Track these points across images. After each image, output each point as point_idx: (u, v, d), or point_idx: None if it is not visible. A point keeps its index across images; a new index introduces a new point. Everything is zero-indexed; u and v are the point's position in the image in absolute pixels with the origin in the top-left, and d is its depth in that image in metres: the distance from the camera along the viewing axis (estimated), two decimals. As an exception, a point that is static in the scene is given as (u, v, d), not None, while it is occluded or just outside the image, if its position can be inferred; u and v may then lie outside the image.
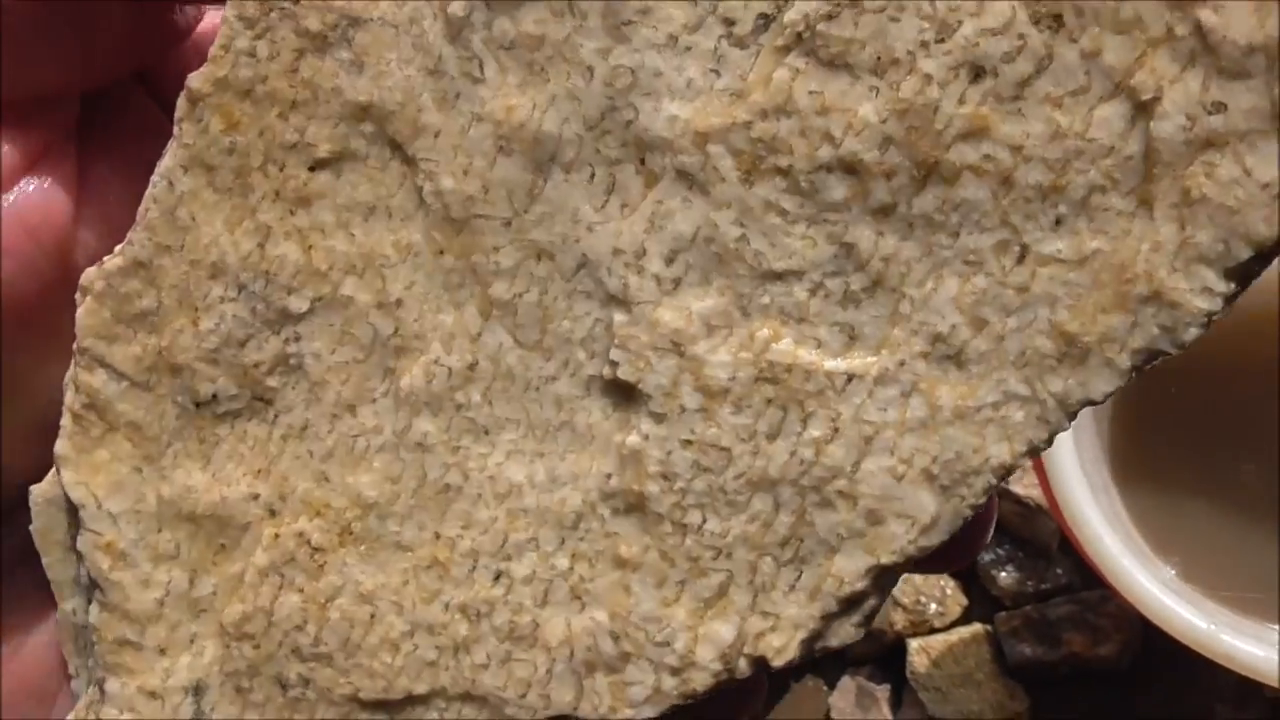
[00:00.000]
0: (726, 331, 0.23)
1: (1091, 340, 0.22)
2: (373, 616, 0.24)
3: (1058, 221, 0.22)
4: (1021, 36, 0.21)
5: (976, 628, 0.54)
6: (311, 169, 0.23)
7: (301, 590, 0.24)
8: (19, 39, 0.24)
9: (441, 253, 0.23)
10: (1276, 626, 0.44)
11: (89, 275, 0.25)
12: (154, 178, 0.24)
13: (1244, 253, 0.21)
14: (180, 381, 0.25)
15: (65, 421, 0.25)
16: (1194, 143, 0.21)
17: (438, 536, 0.24)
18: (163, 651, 0.25)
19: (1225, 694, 0.52)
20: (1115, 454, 0.47)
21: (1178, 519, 0.47)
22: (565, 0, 0.22)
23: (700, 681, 0.24)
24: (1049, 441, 0.23)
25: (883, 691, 0.54)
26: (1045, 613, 0.52)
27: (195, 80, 0.24)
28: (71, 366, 0.25)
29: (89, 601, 0.25)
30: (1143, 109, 0.21)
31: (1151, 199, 0.22)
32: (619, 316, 0.23)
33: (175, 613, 0.25)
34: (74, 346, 0.25)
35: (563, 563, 0.24)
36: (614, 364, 0.23)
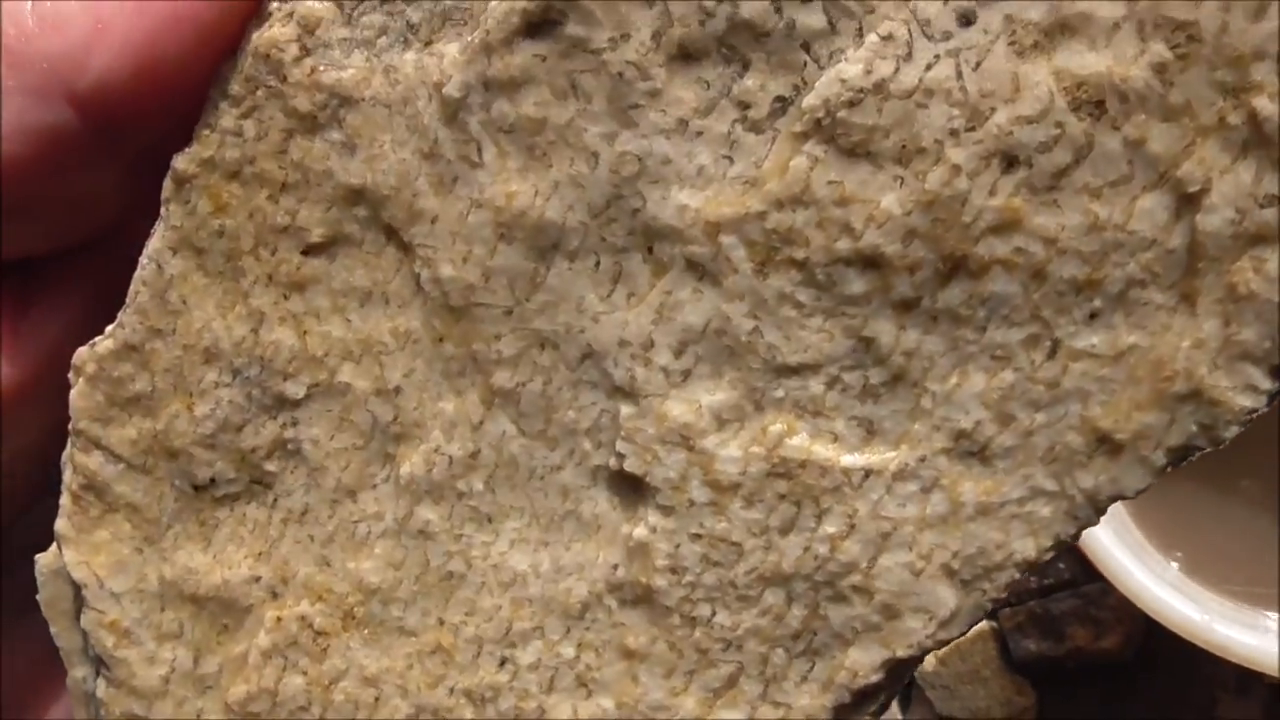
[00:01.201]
0: (738, 425, 0.16)
1: (1125, 438, 0.16)
2: (377, 699, 0.18)
3: (1092, 316, 0.17)
4: (1059, 125, 0.15)
5: (981, 624, 0.47)
6: (304, 253, 0.17)
7: (305, 673, 0.18)
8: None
9: (441, 340, 0.17)
10: (1272, 614, 0.37)
11: (81, 356, 0.21)
12: (142, 259, 0.18)
13: None
14: (177, 465, 0.18)
15: (64, 500, 0.20)
16: (1242, 237, 0.15)
17: (441, 623, 0.18)
18: None
19: (1227, 682, 0.46)
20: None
21: (1180, 514, 0.41)
22: (568, 81, 0.15)
23: None
24: (1076, 536, 0.17)
25: (891, 691, 0.47)
26: (1049, 607, 0.46)
27: (181, 161, 0.17)
28: (68, 446, 0.21)
29: (97, 673, 0.19)
30: (1189, 201, 0.15)
31: (1194, 294, 0.17)
32: (625, 408, 0.17)
33: (181, 689, 0.19)
34: (70, 427, 0.21)
35: (569, 651, 0.18)
36: (620, 456, 0.17)
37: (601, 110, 0.18)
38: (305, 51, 0.18)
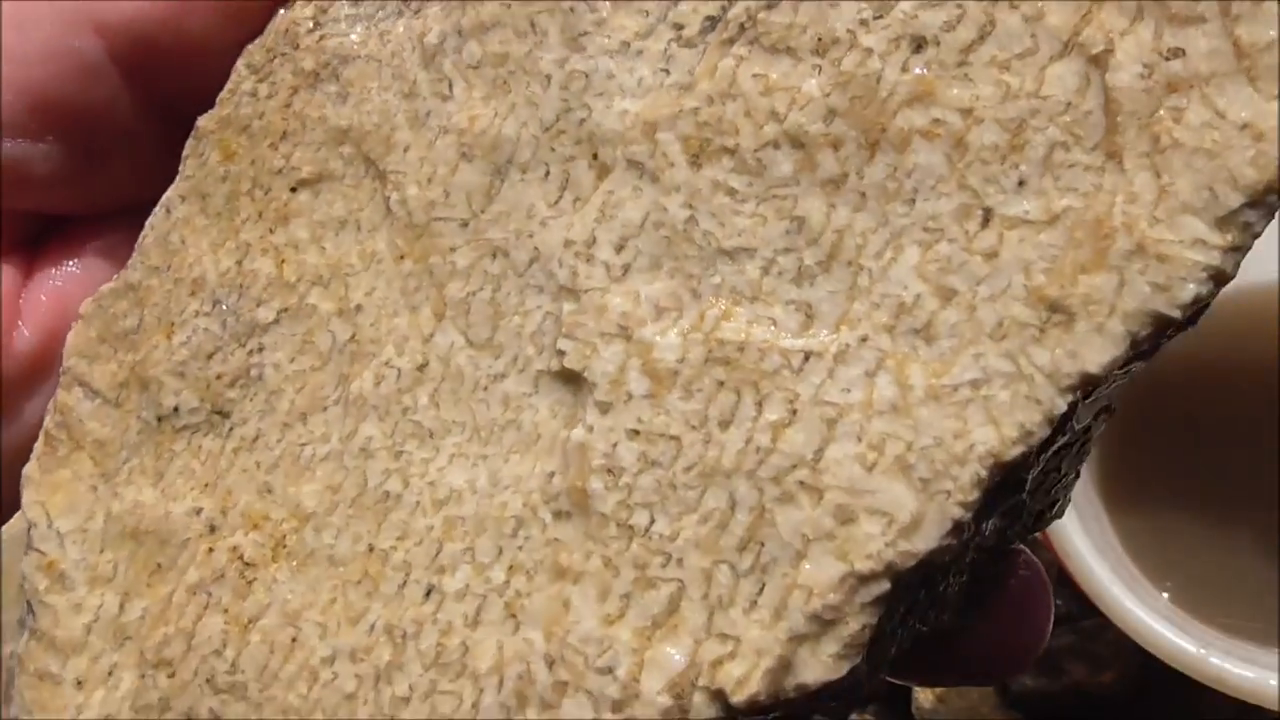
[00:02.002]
0: (676, 314, 0.14)
1: (1075, 303, 0.14)
2: (294, 640, 0.15)
3: (1021, 183, 0.15)
4: (960, 6, 0.13)
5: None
6: (293, 190, 0.16)
7: (226, 610, 0.15)
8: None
9: (402, 258, 0.15)
10: (1274, 649, 0.29)
11: (86, 304, 0.20)
12: (156, 208, 0.17)
13: (1234, 199, 0.16)
14: (147, 396, 0.16)
15: (38, 444, 0.16)
16: (1155, 89, 0.14)
17: (371, 549, 0.15)
18: (79, 685, 0.19)
19: (1226, 715, 0.35)
20: (1105, 480, 0.34)
21: (1170, 544, 0.34)
22: (528, 21, 0.15)
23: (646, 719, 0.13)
24: (1046, 425, 0.13)
25: (890, 730, 0.38)
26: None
27: (204, 120, 0.17)
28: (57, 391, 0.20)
29: (24, 630, 0.16)
30: (1096, 62, 0.14)
31: (1119, 150, 0.15)
32: (568, 305, 0.15)
33: (100, 640, 0.16)
34: (60, 369, 0.20)
35: (498, 576, 0.14)
36: (561, 353, 0.14)
37: (555, 40, 0.17)
38: (317, 25, 0.19)
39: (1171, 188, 0.16)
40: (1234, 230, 0.15)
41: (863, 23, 0.17)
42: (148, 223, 0.20)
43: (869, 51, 0.17)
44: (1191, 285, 0.15)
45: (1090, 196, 0.16)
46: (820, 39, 0.17)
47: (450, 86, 0.19)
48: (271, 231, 0.19)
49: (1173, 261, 0.15)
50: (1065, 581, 0.43)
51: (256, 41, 0.20)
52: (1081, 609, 0.43)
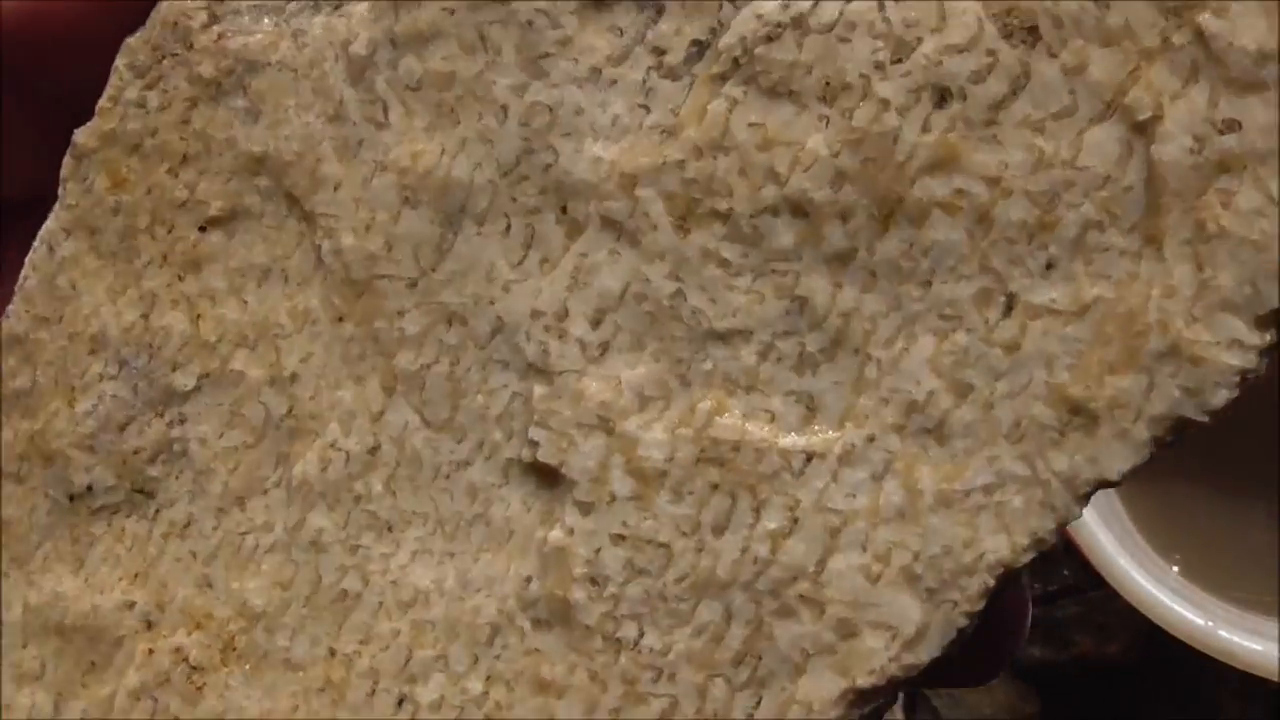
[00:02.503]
0: (663, 404, 0.12)
1: (1100, 406, 0.14)
2: None
3: (1049, 265, 0.15)
4: (991, 53, 0.11)
5: (986, 632, 0.39)
6: (202, 229, 0.13)
7: (177, 718, 0.12)
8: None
9: (341, 319, 0.13)
10: (1275, 620, 0.30)
11: None
12: (35, 243, 0.13)
13: (1278, 296, 0.14)
14: (53, 471, 0.14)
15: None
16: (1205, 167, 0.12)
17: (333, 653, 0.13)
18: None
19: (1232, 687, 0.38)
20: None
21: (1178, 516, 0.36)
22: (477, 33, 0.11)
23: None
24: (1055, 533, 0.12)
25: (895, 697, 0.40)
26: (1053, 614, 0.40)
27: (81, 135, 0.14)
28: None
29: None
30: (1140, 130, 0.11)
31: (1160, 235, 0.14)
32: (539, 388, 0.12)
33: None
34: None
35: (475, 686, 0.13)
36: (534, 444, 0.12)
37: (511, 61, 0.14)
38: (214, 18, 0.15)
39: (1213, 282, 0.14)
40: (1274, 329, 0.14)
41: (878, 66, 0.15)
42: (28, 261, 0.17)
43: (885, 104, 0.15)
44: (1224, 391, 0.14)
45: (1124, 286, 0.14)
46: (829, 83, 0.15)
47: (385, 111, 0.16)
48: (180, 279, 0.17)
49: (1207, 365, 0.14)
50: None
51: (139, 35, 0.17)
52: (1089, 580, 0.43)
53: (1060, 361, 0.15)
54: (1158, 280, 0.14)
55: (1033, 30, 0.14)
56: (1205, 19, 0.14)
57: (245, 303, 0.16)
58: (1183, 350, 0.14)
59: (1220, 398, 0.14)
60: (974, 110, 0.15)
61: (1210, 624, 0.33)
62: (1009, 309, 0.15)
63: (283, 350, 0.16)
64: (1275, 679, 0.33)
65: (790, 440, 0.15)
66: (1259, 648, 0.33)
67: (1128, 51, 0.14)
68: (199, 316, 0.17)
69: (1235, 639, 0.33)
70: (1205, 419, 0.14)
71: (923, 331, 0.15)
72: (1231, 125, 0.14)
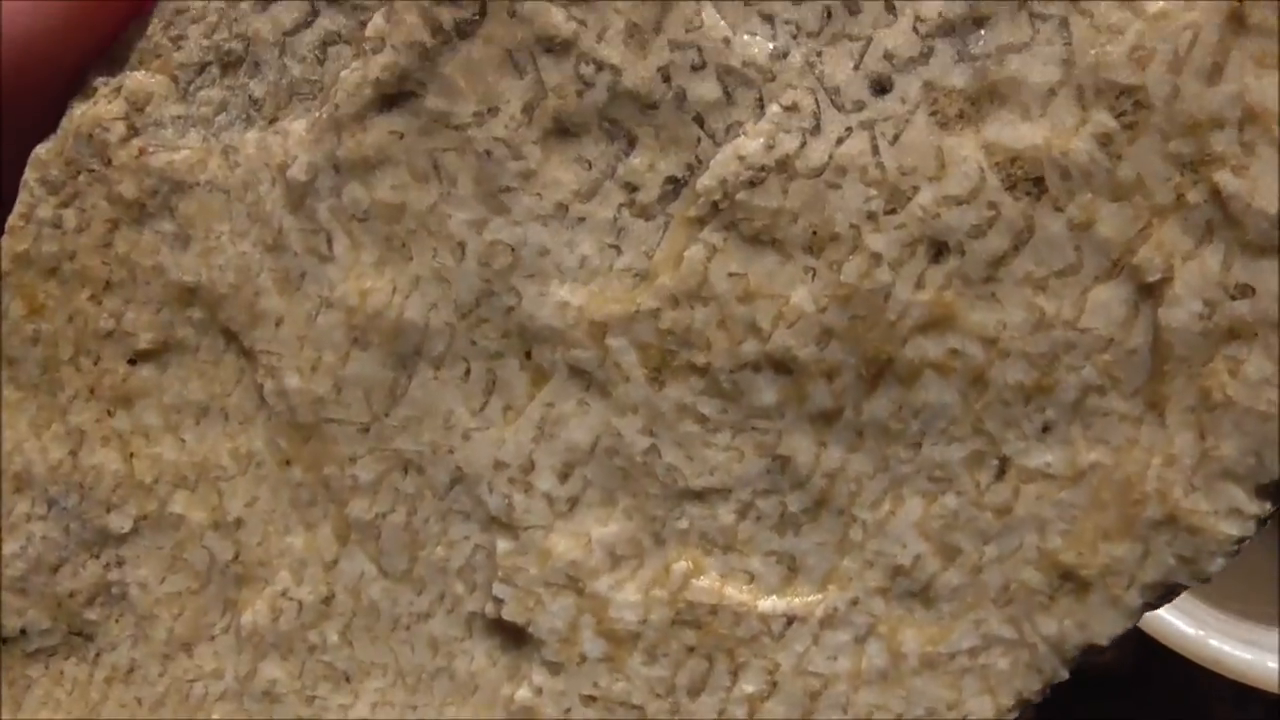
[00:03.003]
0: (635, 563, 0.11)
1: (1092, 574, 0.13)
2: None
3: (1045, 428, 0.14)
4: (993, 205, 0.10)
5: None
6: (132, 362, 0.12)
7: None
8: None
9: (288, 463, 0.12)
10: (1274, 631, 0.30)
11: None
12: None
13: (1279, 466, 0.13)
14: None
15: None
16: (1214, 334, 0.12)
17: None
18: None
19: (1224, 695, 0.38)
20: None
21: None
22: (429, 161, 0.10)
23: None
24: (1042, 693, 0.11)
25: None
26: None
27: None
28: None
29: None
30: (1148, 292, 0.11)
31: (1163, 402, 0.13)
32: (503, 543, 0.11)
33: None
34: None
35: None
36: (498, 600, 0.11)
37: (468, 194, 0.13)
38: (133, 131, 0.14)
39: (1215, 451, 0.13)
40: (1271, 498, 0.14)
41: (870, 216, 0.14)
42: None
43: (876, 258, 0.14)
44: (1220, 559, 0.14)
45: (1123, 452, 0.14)
46: (816, 232, 0.14)
47: (329, 242, 0.15)
48: (110, 414, 0.15)
49: (1204, 534, 0.14)
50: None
51: (49, 146, 0.15)
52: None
53: (1053, 527, 0.14)
54: (1158, 448, 0.14)
55: (1038, 182, 0.13)
56: (1223, 177, 0.13)
57: (183, 441, 0.15)
58: (1180, 519, 0.14)
59: (1216, 565, 0.14)
60: (972, 266, 0.13)
61: (1201, 633, 0.33)
62: (1002, 472, 0.14)
63: (225, 493, 0.15)
64: (1266, 688, 0.33)
65: (770, 603, 0.14)
66: (1249, 656, 0.33)
67: (1139, 208, 0.13)
68: (132, 455, 0.15)
69: (1226, 648, 0.33)
70: (1196, 584, 0.14)
71: (911, 494, 0.14)
72: (1244, 290, 0.13)
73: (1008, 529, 0.14)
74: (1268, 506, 0.14)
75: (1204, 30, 0.13)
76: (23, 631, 0.16)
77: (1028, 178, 0.13)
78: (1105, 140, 0.13)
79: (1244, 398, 0.13)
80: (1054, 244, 0.13)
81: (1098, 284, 0.13)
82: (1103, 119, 0.13)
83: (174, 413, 0.15)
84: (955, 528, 0.14)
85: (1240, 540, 0.14)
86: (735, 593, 0.14)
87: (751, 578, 0.14)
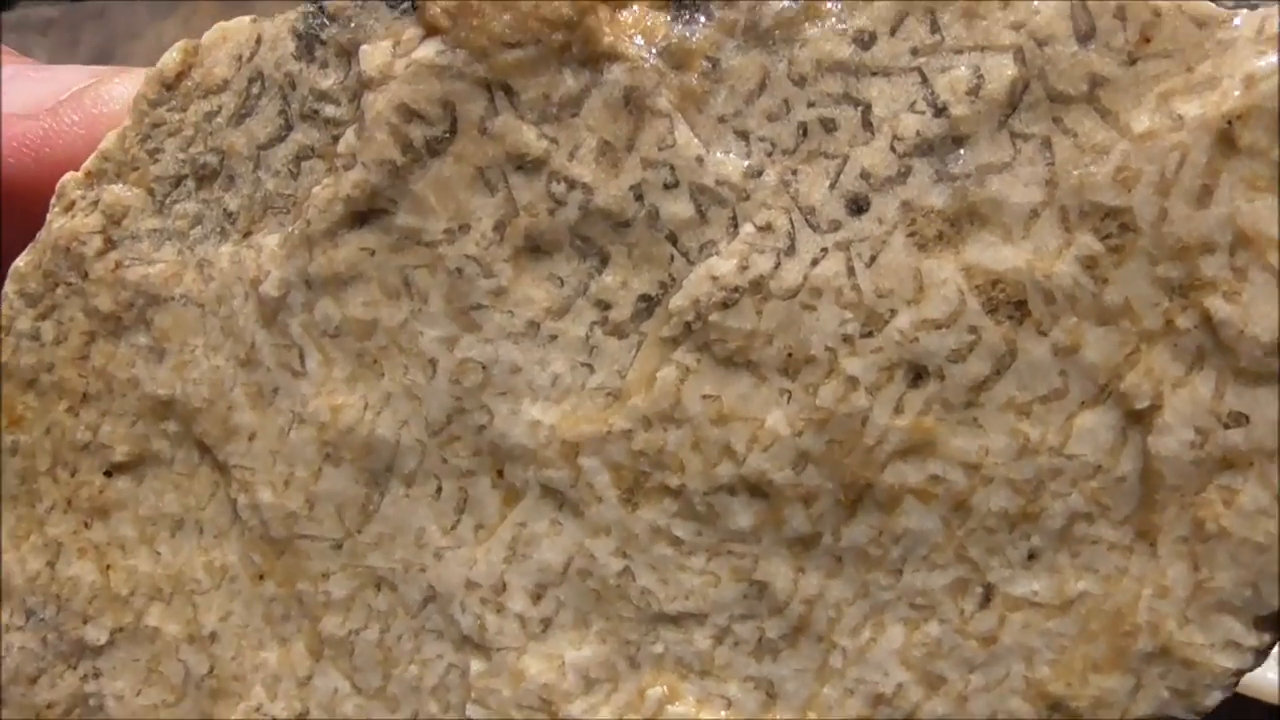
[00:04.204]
0: (609, 687, 0.11)
1: (1082, 705, 0.13)
2: None
3: (1031, 556, 0.13)
4: (974, 329, 0.10)
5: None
6: (108, 474, 0.12)
7: None
8: None
9: (262, 578, 0.11)
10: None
11: None
12: None
13: (1278, 598, 0.10)
14: None
15: None
16: (1206, 463, 0.11)
17: None
18: None
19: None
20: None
21: None
22: (400, 278, 0.10)
23: None
24: None
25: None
26: None
27: None
28: None
29: None
30: (1137, 419, 0.10)
31: (1154, 531, 0.13)
32: (476, 664, 0.11)
33: None
34: None
35: None
36: None
37: (439, 311, 0.13)
38: (110, 244, 0.14)
39: (1210, 583, 0.13)
40: (1271, 630, 0.13)
41: (846, 339, 0.13)
42: None
43: (853, 382, 0.13)
44: (1216, 692, 0.13)
45: (1113, 582, 0.13)
46: (791, 354, 0.13)
47: (302, 357, 0.14)
48: (87, 526, 0.15)
49: (1199, 667, 0.13)
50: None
51: (27, 258, 0.15)
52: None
53: (1041, 656, 0.13)
54: (1150, 578, 0.13)
55: (1021, 305, 0.13)
56: (1214, 303, 0.12)
57: (158, 554, 0.15)
58: (1174, 652, 0.13)
59: (1211, 699, 0.13)
60: (953, 391, 0.13)
61: None
62: (987, 600, 0.14)
63: (200, 607, 0.15)
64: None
65: None
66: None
67: (1126, 332, 0.13)
68: (109, 567, 0.15)
69: None
70: (1193, 718, 0.13)
71: (892, 621, 0.14)
72: (1238, 419, 0.13)
73: (993, 658, 0.13)
74: (1266, 639, 0.13)
75: (1192, 151, 0.12)
76: (0, 740, 0.16)
77: (1010, 301, 0.13)
78: (1091, 263, 0.13)
79: (1239, 529, 0.13)
80: (1038, 369, 0.13)
81: (1084, 410, 0.13)
82: (1088, 241, 0.13)
83: (150, 525, 0.15)
84: (939, 656, 0.14)
85: (1238, 672, 0.13)
86: (712, 718, 0.14)
87: (729, 703, 0.14)
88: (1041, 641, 0.13)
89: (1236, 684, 0.13)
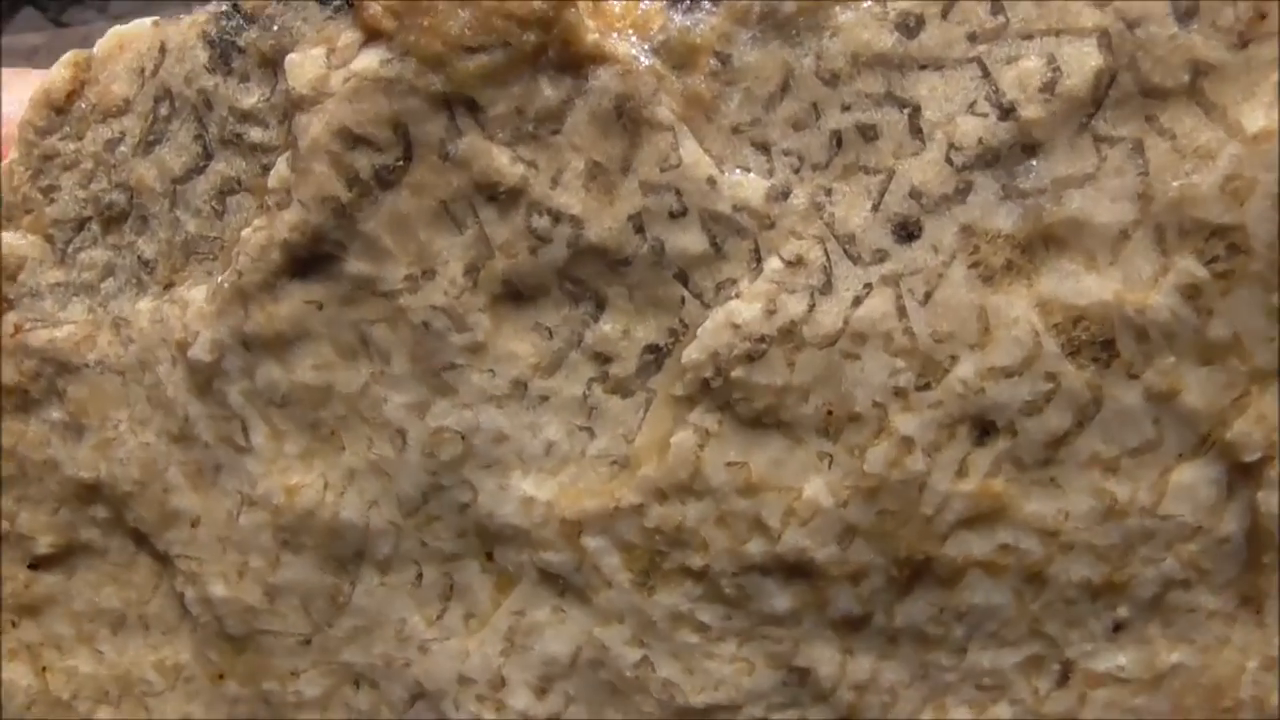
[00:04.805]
0: None
1: None
2: None
3: (1117, 627, 0.11)
4: (1051, 376, 0.07)
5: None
6: (33, 566, 0.09)
7: None
8: None
9: (222, 677, 0.09)
10: None
11: None
12: None
13: None
14: None
15: None
16: None
17: None
18: None
19: None
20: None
21: None
22: (356, 335, 0.07)
23: None
24: None
25: None
26: None
27: None
28: None
29: None
30: (1244, 472, 0.08)
31: (1259, 596, 0.12)
32: None
33: None
34: None
35: None
36: None
37: (405, 373, 0.11)
38: (7, 304, 0.11)
39: None
40: None
41: (898, 393, 0.11)
42: None
43: (908, 443, 0.11)
44: None
45: (1211, 653, 0.11)
46: (831, 412, 0.11)
47: (245, 431, 0.12)
48: (15, 625, 0.13)
49: None
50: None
51: None
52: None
53: None
54: (1254, 648, 0.11)
55: (1108, 345, 0.11)
56: (1343, 336, 0.10)
57: (100, 654, 0.13)
58: None
59: None
60: (1026, 449, 0.11)
61: None
62: (1065, 677, 0.12)
63: (153, 709, 0.13)
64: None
65: None
66: None
67: (1234, 373, 0.11)
68: (44, 669, 0.13)
69: None
70: None
71: (955, 704, 0.12)
72: None
73: None
74: None
75: None
76: None
77: (1094, 341, 0.11)
78: (1192, 293, 0.10)
79: None
80: (1128, 418, 0.11)
81: (1182, 463, 0.11)
82: (1189, 267, 0.10)
83: (87, 622, 0.13)
84: None
85: None
86: None
87: None
88: None
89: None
